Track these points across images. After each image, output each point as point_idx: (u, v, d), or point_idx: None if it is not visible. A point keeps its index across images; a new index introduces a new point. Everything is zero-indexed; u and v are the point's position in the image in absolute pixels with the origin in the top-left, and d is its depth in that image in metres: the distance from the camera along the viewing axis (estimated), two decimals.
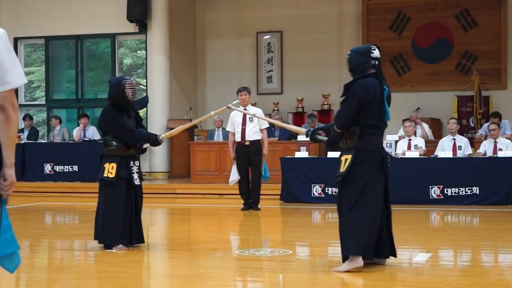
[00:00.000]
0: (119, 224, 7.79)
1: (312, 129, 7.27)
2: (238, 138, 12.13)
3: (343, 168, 6.44)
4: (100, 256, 7.70)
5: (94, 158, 15.68)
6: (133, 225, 7.97)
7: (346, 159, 6.44)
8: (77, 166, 16.61)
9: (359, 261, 6.37)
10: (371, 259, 6.53)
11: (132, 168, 7.96)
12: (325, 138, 6.90)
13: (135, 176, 7.96)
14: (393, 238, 6.72)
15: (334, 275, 6.36)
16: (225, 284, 6.21)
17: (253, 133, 12.15)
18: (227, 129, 12.70)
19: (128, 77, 8.14)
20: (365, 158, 6.41)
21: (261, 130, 12.26)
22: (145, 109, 18.84)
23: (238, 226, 11.01)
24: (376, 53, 6.52)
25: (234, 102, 8.79)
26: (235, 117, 12.24)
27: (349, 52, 6.68)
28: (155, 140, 8.02)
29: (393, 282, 6.14)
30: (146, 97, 8.84)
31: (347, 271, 6.34)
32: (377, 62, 6.54)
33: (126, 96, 7.94)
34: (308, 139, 7.34)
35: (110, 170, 7.83)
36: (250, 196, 12.27)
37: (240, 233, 10.34)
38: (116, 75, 19.16)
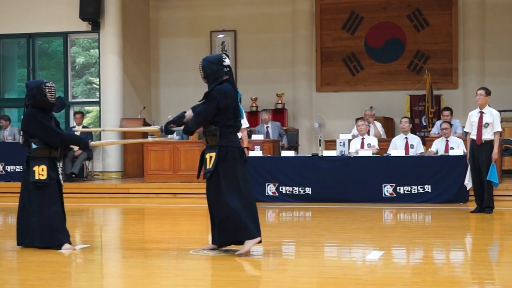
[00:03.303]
0: (60, 223, 7.88)
1: (163, 125, 7.75)
2: None
3: (209, 165, 7.28)
4: (52, 257, 7.62)
5: None
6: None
7: (210, 157, 7.29)
8: None
9: (256, 240, 7.22)
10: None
11: (59, 170, 8.07)
12: (180, 128, 7.58)
13: (61, 177, 8.11)
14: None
15: (287, 274, 6.37)
16: (179, 284, 6.19)
17: None
18: None
19: (47, 80, 8.05)
20: (228, 154, 7.28)
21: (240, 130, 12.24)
22: (98, 107, 18.70)
23: (192, 226, 10.99)
24: (227, 61, 7.43)
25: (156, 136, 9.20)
26: None
27: (202, 60, 7.53)
28: (86, 145, 8.17)
29: (346, 280, 6.18)
30: (60, 98, 8.65)
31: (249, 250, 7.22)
32: (228, 69, 7.41)
33: (48, 99, 7.88)
34: (164, 133, 7.85)
35: (40, 172, 7.87)
36: None
37: (194, 232, 10.30)
38: (69, 74, 18.99)
